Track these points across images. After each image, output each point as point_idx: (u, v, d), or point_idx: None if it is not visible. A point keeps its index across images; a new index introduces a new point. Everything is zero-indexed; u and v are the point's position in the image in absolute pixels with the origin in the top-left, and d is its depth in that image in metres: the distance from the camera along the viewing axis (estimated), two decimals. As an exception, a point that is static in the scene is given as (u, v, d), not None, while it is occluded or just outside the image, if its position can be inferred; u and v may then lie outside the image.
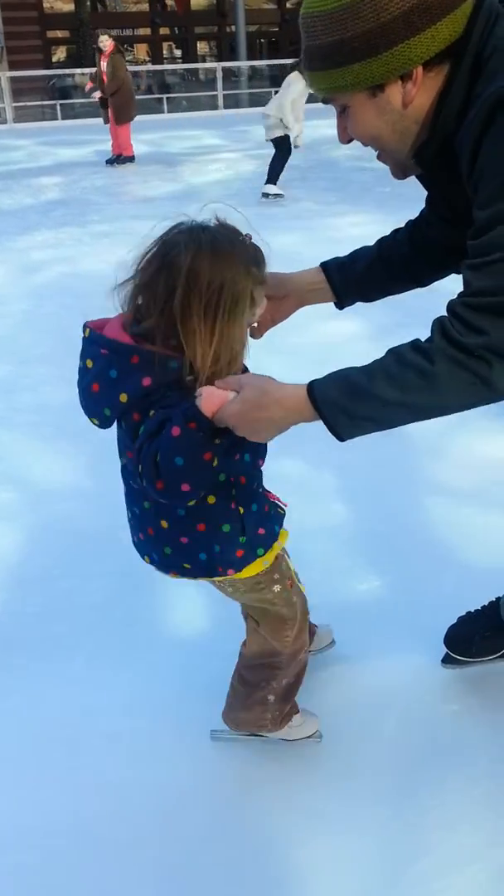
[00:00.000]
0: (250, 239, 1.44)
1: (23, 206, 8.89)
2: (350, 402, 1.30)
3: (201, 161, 11.63)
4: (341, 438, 1.33)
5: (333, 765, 1.85)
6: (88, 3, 26.94)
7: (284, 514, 1.65)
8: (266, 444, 1.53)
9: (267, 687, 1.76)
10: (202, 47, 32.44)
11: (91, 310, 5.49)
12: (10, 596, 2.51)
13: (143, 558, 1.64)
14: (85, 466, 3.26)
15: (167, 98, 19.95)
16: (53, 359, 4.47)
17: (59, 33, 26.76)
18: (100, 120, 11.79)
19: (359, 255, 1.71)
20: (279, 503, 1.65)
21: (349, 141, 1.42)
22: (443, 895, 1.56)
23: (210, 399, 1.32)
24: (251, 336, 1.52)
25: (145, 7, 28.71)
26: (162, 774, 1.86)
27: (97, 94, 11.27)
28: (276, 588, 1.65)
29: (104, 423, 1.45)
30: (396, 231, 1.73)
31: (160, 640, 2.29)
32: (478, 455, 3.23)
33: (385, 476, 3.07)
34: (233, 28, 23.45)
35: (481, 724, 1.94)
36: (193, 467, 1.32)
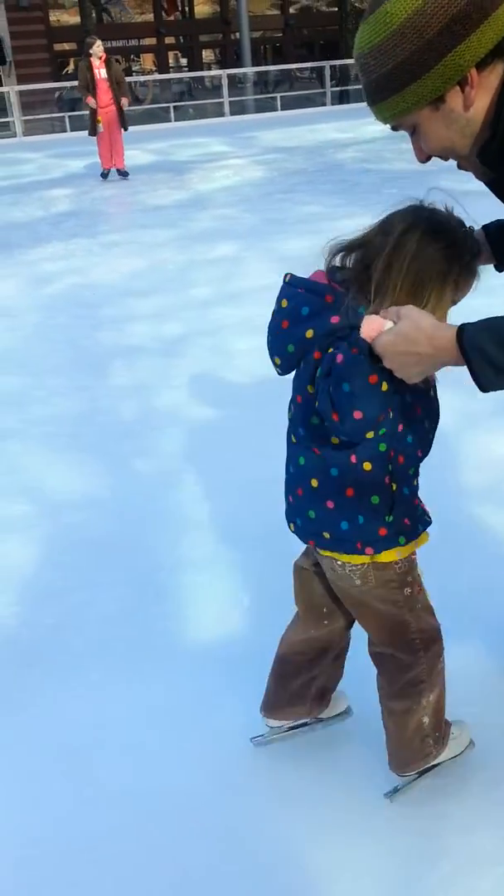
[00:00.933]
0: (472, 231, 1.49)
1: (34, 219, 8.95)
2: (499, 354, 1.27)
3: (209, 168, 11.67)
4: (484, 389, 1.31)
5: (350, 770, 1.85)
6: (94, 15, 27.14)
7: (430, 523, 1.63)
8: (430, 440, 1.57)
9: (418, 710, 1.66)
10: (207, 55, 32.59)
11: (103, 320, 5.56)
12: (26, 608, 2.53)
13: (289, 525, 1.63)
14: (99, 477, 3.28)
15: (174, 107, 20.03)
16: (66, 370, 4.51)
17: (66, 45, 26.94)
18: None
19: None
20: (427, 511, 1.64)
21: (427, 159, 1.45)
22: (465, 899, 1.55)
23: (369, 325, 1.35)
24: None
25: (150, 17, 28.85)
26: (180, 784, 1.86)
27: (90, 100, 10.58)
28: (407, 591, 1.60)
29: (285, 363, 1.51)
30: None
31: (176, 651, 2.29)
32: (491, 454, 3.21)
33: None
34: (237, 35, 23.49)
35: (499, 726, 1.92)
36: (361, 391, 1.34)
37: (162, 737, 1.99)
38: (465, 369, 1.29)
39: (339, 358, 1.35)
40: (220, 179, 10.68)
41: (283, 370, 1.53)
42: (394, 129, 1.42)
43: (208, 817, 1.77)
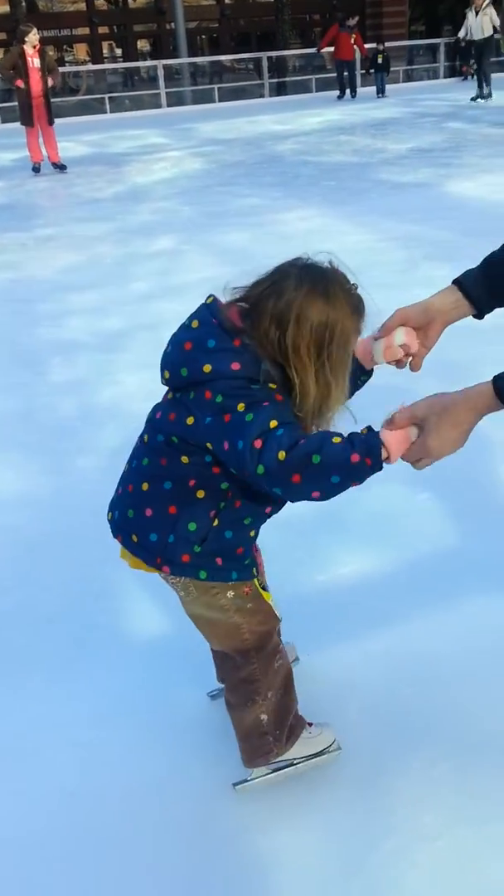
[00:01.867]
0: (356, 289, 1.48)
1: (-34, 213, 8.76)
2: None
3: (146, 160, 11.58)
4: None
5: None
6: (24, 4, 26.58)
7: (252, 578, 1.61)
8: (282, 501, 1.56)
9: (254, 707, 1.68)
10: (142, 45, 32.22)
11: (40, 315, 5.47)
12: (-33, 608, 2.49)
13: (108, 514, 1.64)
14: (39, 475, 3.24)
15: (109, 98, 19.79)
16: (2, 367, 4.44)
17: (-3, 35, 26.39)
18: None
19: (493, 260, 1.74)
20: (258, 568, 1.64)
21: None
22: (408, 874, 1.59)
23: (399, 446, 1.42)
24: (412, 368, 1.66)
25: (83, 6, 28.37)
26: (128, 781, 1.86)
27: (19, 83, 10.26)
28: (230, 594, 1.60)
29: (173, 380, 1.48)
30: None
31: (122, 645, 2.29)
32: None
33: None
34: (172, 25, 23.27)
35: (439, 705, 1.97)
36: (340, 489, 1.39)
37: (109, 732, 1.99)
38: None
39: (355, 458, 1.37)
40: (158, 172, 10.60)
41: (168, 384, 1.50)
42: None
43: (154, 809, 1.78)
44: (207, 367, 1.40)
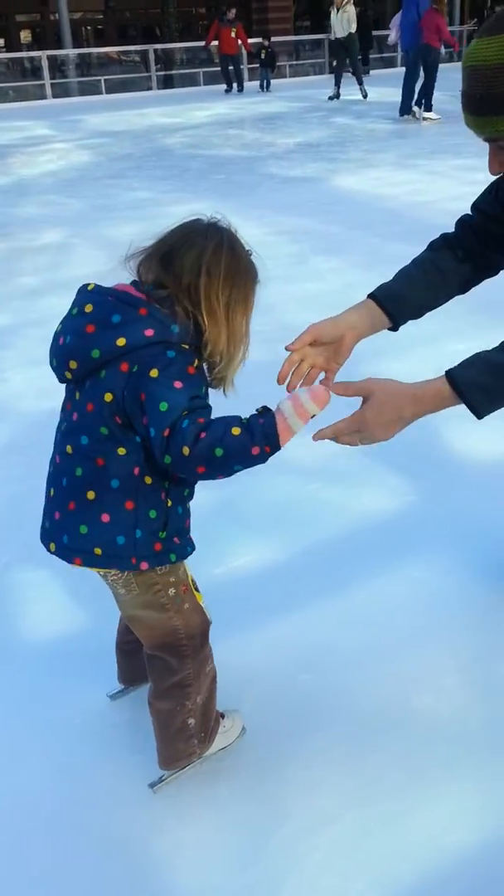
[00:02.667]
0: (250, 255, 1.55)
1: None
2: (491, 380, 1.48)
3: (32, 153, 11.28)
4: (480, 416, 1.52)
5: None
6: None
7: (194, 550, 1.62)
8: None
9: (183, 711, 1.68)
10: (25, 36, 31.32)
11: None
12: None
13: (48, 546, 1.56)
14: None
15: (-9, 88, 19.17)
16: None
17: None
18: None
19: (406, 273, 1.82)
20: (191, 538, 1.64)
21: (500, 173, 1.52)
22: (307, 858, 1.61)
23: (320, 397, 1.48)
24: (324, 385, 1.68)
25: (-39, -7, 27.38)
26: (19, 786, 1.81)
27: None
28: (171, 591, 1.59)
29: (82, 368, 1.44)
30: (446, 235, 1.87)
31: (17, 651, 2.23)
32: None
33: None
34: (56, 16, 22.72)
35: (332, 689, 2.01)
36: (243, 469, 1.43)
37: (2, 737, 1.93)
38: None
39: (255, 451, 1.41)
40: (45, 164, 10.35)
41: (76, 375, 1.46)
42: (487, 140, 1.46)
43: (49, 811, 1.75)
44: (121, 341, 1.40)
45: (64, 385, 1.54)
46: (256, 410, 1.46)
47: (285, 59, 22.49)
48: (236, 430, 1.40)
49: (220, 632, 2.17)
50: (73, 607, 2.37)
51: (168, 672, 1.66)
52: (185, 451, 1.37)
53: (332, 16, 15.25)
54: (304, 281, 5.25)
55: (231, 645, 2.15)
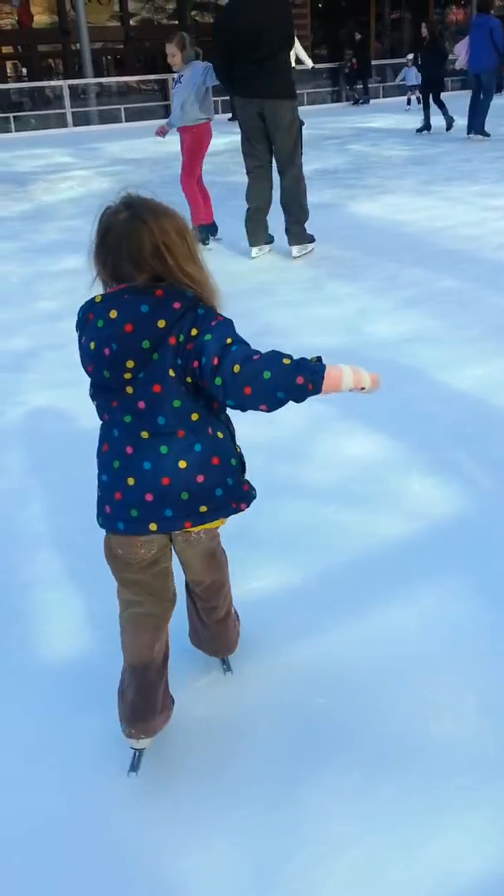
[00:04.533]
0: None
1: None
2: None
3: (53, 179, 11.46)
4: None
5: (203, 769, 1.87)
6: None
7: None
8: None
9: (231, 608, 2.03)
10: (48, 65, 31.92)
11: None
12: None
13: (148, 527, 1.66)
14: None
15: (14, 117, 19.52)
16: None
17: None
18: None
19: None
20: None
21: None
22: (321, 885, 1.60)
23: (375, 377, 1.63)
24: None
25: (-15, 25, 28.02)
26: (37, 806, 1.81)
27: None
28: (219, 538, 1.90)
29: (140, 363, 1.58)
30: None
31: (32, 672, 2.23)
32: (339, 455, 3.34)
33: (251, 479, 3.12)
34: (77, 46, 23.18)
35: (348, 714, 2.00)
36: (283, 404, 1.55)
37: (18, 758, 1.94)
38: None
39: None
40: (65, 191, 10.50)
41: (134, 372, 1.59)
42: None
43: (64, 832, 1.74)
44: (161, 322, 1.56)
45: (94, 394, 1.69)
46: (311, 358, 1.57)
47: (306, 87, 22.76)
48: (287, 360, 1.52)
49: (235, 654, 2.18)
50: (88, 628, 2.38)
51: (222, 587, 1.95)
52: (236, 368, 1.50)
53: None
54: (319, 306, 5.29)
55: (247, 668, 2.16)
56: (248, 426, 3.53)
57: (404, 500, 2.98)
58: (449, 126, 14.29)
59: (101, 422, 1.72)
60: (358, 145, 13.68)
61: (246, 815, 1.75)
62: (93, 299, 1.64)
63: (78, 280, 6.25)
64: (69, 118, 19.51)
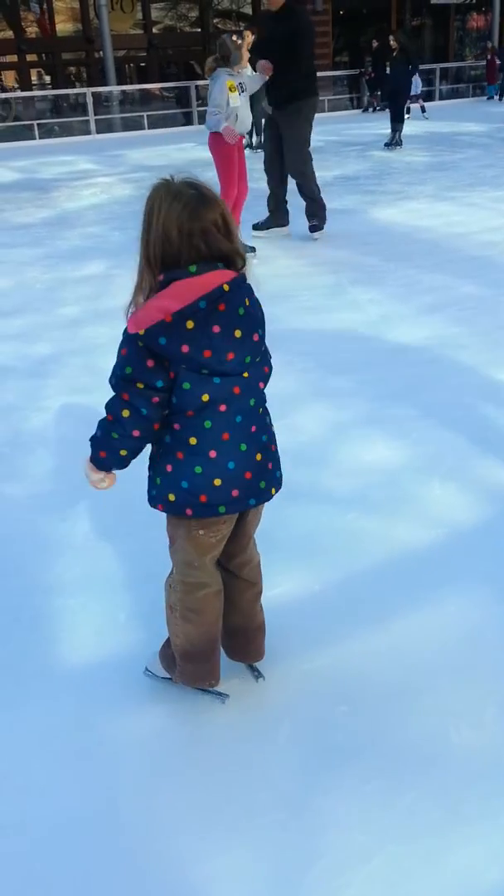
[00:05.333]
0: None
1: None
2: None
3: (76, 186, 11.54)
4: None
5: (225, 775, 1.87)
6: (-50, 31, 26.40)
7: None
8: None
9: None
10: (71, 73, 32.18)
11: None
12: None
13: (248, 503, 1.84)
14: (-34, 502, 3.17)
15: (38, 124, 19.69)
16: None
17: None
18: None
19: None
20: None
21: None
22: (343, 894, 1.59)
23: None
24: None
25: (10, 34, 28.25)
26: (58, 803, 1.82)
27: None
28: None
29: (256, 353, 1.79)
30: None
31: (54, 675, 2.23)
32: (359, 462, 3.33)
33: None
34: (100, 54, 23.34)
35: (368, 722, 1.99)
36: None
37: (41, 763, 1.94)
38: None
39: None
40: (88, 197, 10.57)
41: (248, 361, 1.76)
42: None
43: (85, 838, 1.75)
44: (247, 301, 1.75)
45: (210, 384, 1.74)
46: None
47: (327, 94, 22.78)
48: None
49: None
50: (111, 633, 2.38)
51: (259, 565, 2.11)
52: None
53: None
54: (341, 311, 5.28)
55: (267, 675, 2.15)
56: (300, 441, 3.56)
57: (425, 506, 2.97)
58: (390, 143, 13.78)
59: (191, 420, 1.74)
60: (379, 152, 13.67)
61: (266, 822, 1.74)
62: (221, 287, 1.67)
63: (100, 286, 6.34)
64: (92, 125, 19.65)
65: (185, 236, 1.65)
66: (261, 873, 1.64)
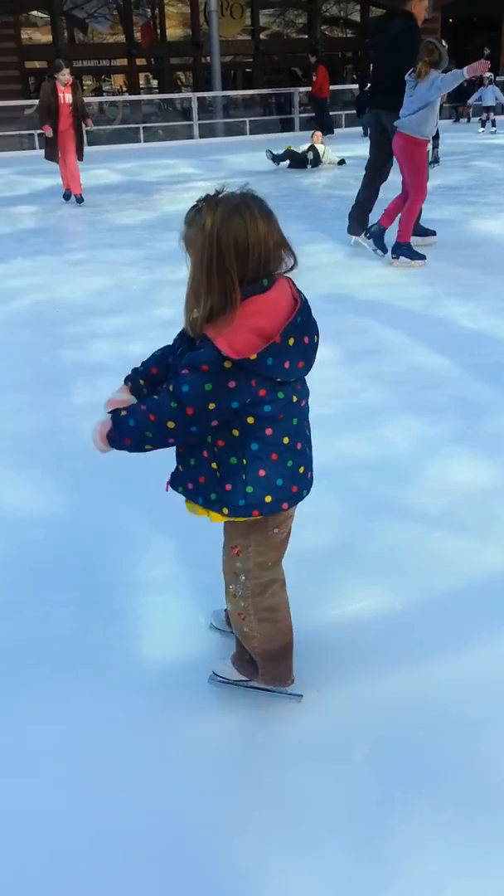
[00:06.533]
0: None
1: (-1, 235, 8.92)
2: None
3: (176, 190, 11.74)
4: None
5: (299, 795, 1.85)
6: (66, 35, 27.23)
7: None
8: None
9: None
10: (179, 77, 32.80)
11: (66, 337, 5.54)
12: (-20, 627, 2.49)
13: (302, 495, 1.90)
14: (56, 495, 3.25)
15: (143, 128, 20.14)
16: (27, 387, 4.48)
17: (38, 63, 26.94)
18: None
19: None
20: None
21: None
22: (411, 923, 1.56)
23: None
24: None
25: (122, 38, 29.00)
26: (128, 803, 1.84)
27: (47, 129, 10.38)
28: None
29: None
30: None
31: (132, 673, 2.27)
32: (447, 479, 3.26)
33: (352, 498, 3.10)
34: (208, 59, 23.71)
35: (446, 749, 1.94)
36: None
37: (118, 760, 1.97)
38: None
39: None
40: (188, 201, 10.51)
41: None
42: None
43: (160, 844, 1.76)
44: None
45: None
46: None
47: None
48: None
49: (330, 675, 2.16)
50: (192, 634, 2.40)
51: None
52: None
53: None
54: (435, 324, 5.19)
55: (344, 693, 2.13)
56: (356, 444, 3.53)
57: (515, 530, 2.88)
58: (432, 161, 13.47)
59: (283, 422, 1.80)
60: (482, 162, 13.40)
61: (338, 843, 1.72)
62: (300, 316, 1.73)
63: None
64: (196, 130, 19.96)
65: (255, 250, 1.64)
66: (331, 892, 1.62)
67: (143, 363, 2.00)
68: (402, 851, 1.70)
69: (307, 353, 1.76)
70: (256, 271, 1.66)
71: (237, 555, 1.94)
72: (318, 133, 14.69)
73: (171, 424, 1.72)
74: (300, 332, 1.72)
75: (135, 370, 2.00)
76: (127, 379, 2.00)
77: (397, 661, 2.25)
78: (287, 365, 1.71)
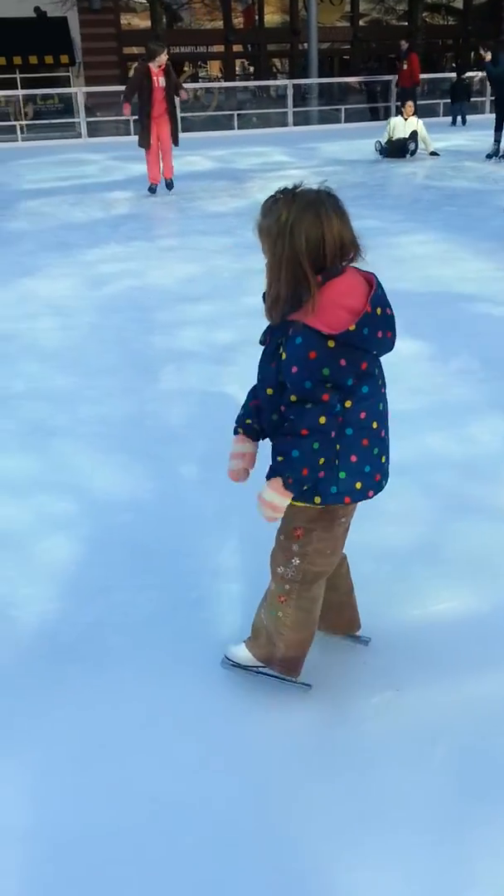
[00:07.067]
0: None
1: (93, 220, 9.10)
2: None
3: (269, 178, 11.72)
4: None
5: (381, 793, 1.85)
6: (164, 20, 27.47)
7: None
8: None
9: None
10: (274, 64, 32.70)
11: (157, 323, 5.61)
12: (66, 604, 2.57)
13: (382, 486, 1.91)
14: (145, 479, 3.32)
15: (238, 115, 20.17)
16: (118, 371, 4.58)
17: (136, 49, 27.26)
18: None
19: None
20: None
21: None
22: (486, 931, 1.54)
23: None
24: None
25: (220, 24, 29.07)
26: (208, 789, 1.88)
27: (126, 108, 10.08)
28: None
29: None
30: None
31: (210, 657, 2.30)
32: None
33: (437, 496, 3.06)
34: (305, 46, 23.52)
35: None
36: None
37: (196, 741, 2.01)
38: None
39: None
40: (279, 189, 10.70)
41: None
42: None
43: (237, 828, 1.79)
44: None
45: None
46: None
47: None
48: None
49: (410, 675, 2.14)
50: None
51: None
52: None
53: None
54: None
55: (425, 694, 2.11)
56: (442, 441, 3.47)
57: None
58: (494, 154, 12.83)
59: (372, 405, 1.82)
60: None
61: (418, 842, 1.71)
62: (380, 290, 1.76)
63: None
64: (290, 117, 19.88)
65: (326, 246, 1.69)
66: (411, 891, 1.62)
67: (242, 407, 2.01)
68: (482, 855, 1.68)
69: (391, 323, 1.79)
70: (325, 264, 1.70)
71: (298, 538, 1.93)
72: (410, 104, 13.98)
73: (322, 420, 1.73)
74: (384, 303, 1.77)
75: (238, 417, 2.01)
76: (236, 429, 2.00)
77: (480, 665, 2.22)
78: (380, 335, 1.75)
